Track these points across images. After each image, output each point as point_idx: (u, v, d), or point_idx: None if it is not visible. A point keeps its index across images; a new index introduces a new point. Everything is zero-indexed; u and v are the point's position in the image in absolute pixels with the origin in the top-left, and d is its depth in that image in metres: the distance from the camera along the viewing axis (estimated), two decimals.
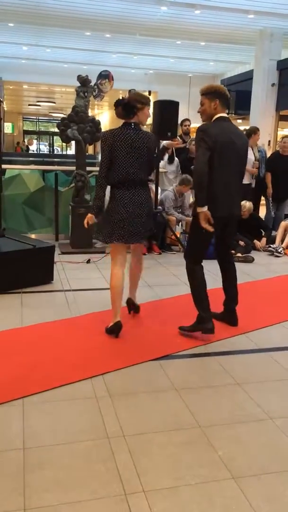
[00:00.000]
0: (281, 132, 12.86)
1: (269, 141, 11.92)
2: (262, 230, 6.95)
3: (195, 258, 3.57)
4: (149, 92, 19.12)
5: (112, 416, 2.49)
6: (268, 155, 8.20)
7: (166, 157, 7.27)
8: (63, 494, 1.93)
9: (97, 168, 4.02)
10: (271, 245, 6.66)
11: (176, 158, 7.27)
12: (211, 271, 5.55)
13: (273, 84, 12.20)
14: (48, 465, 2.10)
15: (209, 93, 3.39)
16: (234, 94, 14.62)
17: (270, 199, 7.53)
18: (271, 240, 6.83)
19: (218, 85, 3.57)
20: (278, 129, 12.75)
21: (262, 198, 7.88)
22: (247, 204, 6.53)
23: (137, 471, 2.07)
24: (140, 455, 2.18)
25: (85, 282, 4.83)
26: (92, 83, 6.21)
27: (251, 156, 6.92)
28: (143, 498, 1.92)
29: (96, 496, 1.92)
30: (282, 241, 6.73)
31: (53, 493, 1.93)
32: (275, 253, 6.49)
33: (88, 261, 5.61)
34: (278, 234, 6.83)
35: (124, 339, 3.47)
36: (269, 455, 2.23)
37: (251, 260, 6.10)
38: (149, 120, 6.05)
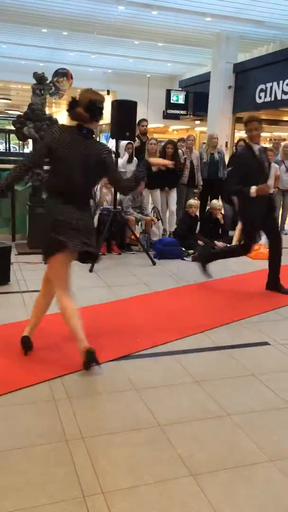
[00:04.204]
0: (238, 134, 13.13)
1: (226, 143, 12.14)
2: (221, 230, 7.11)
3: None
4: (108, 92, 18.99)
5: (70, 419, 2.46)
6: (226, 156, 8.37)
7: (125, 156, 7.27)
8: (20, 500, 1.88)
9: None
10: (228, 245, 6.79)
11: (135, 158, 7.28)
12: (172, 271, 5.61)
13: (229, 87, 12.44)
14: (4, 471, 2.05)
15: None
16: (192, 95, 14.83)
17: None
18: (228, 241, 6.97)
19: None
20: (235, 131, 13.01)
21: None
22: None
23: (95, 473, 2.06)
24: (98, 457, 2.17)
25: None
26: (48, 81, 6.13)
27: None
28: (101, 499, 1.90)
29: (54, 500, 1.89)
30: (240, 241, 6.87)
31: (9, 500, 1.88)
32: None
33: (46, 262, 5.52)
34: (235, 234, 6.97)
35: None
36: (226, 451, 2.27)
37: None
38: (107, 120, 6.06)
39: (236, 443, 2.33)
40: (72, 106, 2.95)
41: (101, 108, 2.95)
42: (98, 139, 21.80)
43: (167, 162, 3.66)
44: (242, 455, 2.24)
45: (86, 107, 2.89)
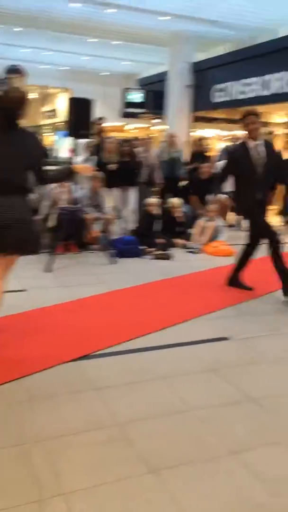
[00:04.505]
0: (195, 133, 13.25)
1: (185, 142, 12.21)
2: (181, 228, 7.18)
3: None
4: (65, 89, 18.50)
5: (30, 421, 2.40)
6: (185, 155, 8.44)
7: (84, 155, 7.21)
8: None
9: None
10: (187, 243, 6.85)
11: (92, 157, 7.22)
12: (131, 269, 5.60)
13: (187, 86, 12.53)
14: None
15: None
16: (151, 94, 14.84)
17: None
18: (187, 238, 7.04)
19: None
20: (193, 130, 13.12)
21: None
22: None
23: (55, 474, 2.01)
24: (58, 458, 2.12)
25: None
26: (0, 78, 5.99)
27: None
28: (61, 501, 1.86)
29: (12, 505, 1.83)
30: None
31: None
32: (193, 251, 6.68)
33: None
34: (195, 232, 7.04)
35: (42, 341, 3.37)
36: (188, 446, 2.27)
37: (169, 258, 6.22)
38: (63, 117, 5.98)
39: (197, 438, 2.34)
40: None
41: (12, 116, 2.99)
42: (57, 138, 21.02)
43: (90, 172, 3.72)
44: (203, 449, 2.25)
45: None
